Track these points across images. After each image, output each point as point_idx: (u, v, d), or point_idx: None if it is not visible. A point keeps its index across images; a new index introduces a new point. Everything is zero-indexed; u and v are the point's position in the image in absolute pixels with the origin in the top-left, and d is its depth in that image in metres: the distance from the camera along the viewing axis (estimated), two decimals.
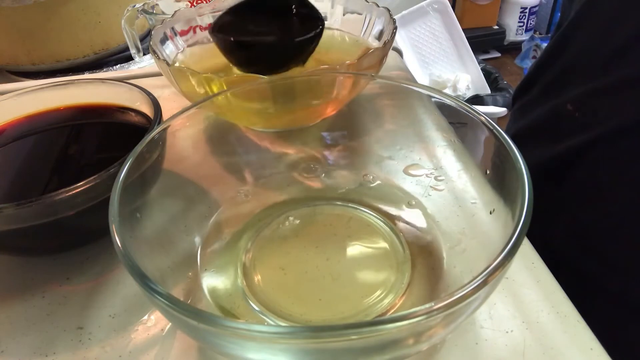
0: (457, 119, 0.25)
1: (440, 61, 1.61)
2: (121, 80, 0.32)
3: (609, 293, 0.36)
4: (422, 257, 0.25)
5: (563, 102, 0.39)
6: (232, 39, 0.32)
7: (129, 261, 0.17)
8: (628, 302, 0.35)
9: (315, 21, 0.33)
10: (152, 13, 0.45)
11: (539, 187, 0.40)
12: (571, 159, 0.38)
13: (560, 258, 0.37)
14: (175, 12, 0.38)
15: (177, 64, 0.37)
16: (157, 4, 0.47)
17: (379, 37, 0.36)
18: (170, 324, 0.24)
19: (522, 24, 2.04)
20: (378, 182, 0.30)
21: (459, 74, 1.58)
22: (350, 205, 0.28)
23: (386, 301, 0.22)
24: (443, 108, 0.25)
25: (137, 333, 0.23)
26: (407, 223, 0.27)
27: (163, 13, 0.46)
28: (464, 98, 1.49)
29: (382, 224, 0.27)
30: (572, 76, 0.39)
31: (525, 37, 2.05)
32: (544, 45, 1.92)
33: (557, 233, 0.39)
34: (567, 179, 0.38)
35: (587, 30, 0.38)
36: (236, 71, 0.34)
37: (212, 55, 0.40)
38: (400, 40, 1.52)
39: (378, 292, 0.23)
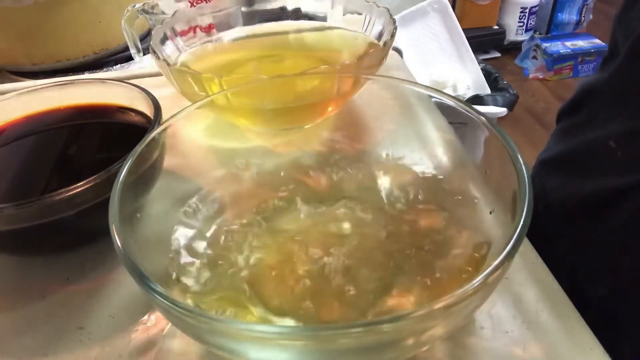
0: (457, 119, 0.25)
1: (440, 61, 1.61)
2: (121, 80, 0.32)
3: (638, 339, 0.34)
4: (423, 255, 0.25)
5: (606, 137, 0.36)
6: None
7: (129, 261, 0.17)
8: None
9: None
10: (152, 13, 0.45)
11: (575, 221, 0.38)
12: (611, 199, 0.35)
13: (590, 297, 0.35)
14: (175, 12, 0.38)
15: (177, 64, 0.37)
16: (157, 4, 0.47)
17: (378, 37, 0.36)
18: (170, 324, 0.24)
19: (522, 24, 2.04)
20: (378, 181, 0.30)
21: (459, 74, 1.58)
22: (350, 202, 0.28)
23: (387, 299, 0.22)
24: (443, 108, 0.25)
25: (137, 333, 0.23)
26: (408, 221, 0.27)
27: (163, 13, 0.46)
28: (464, 98, 1.49)
29: (382, 221, 0.27)
30: (621, 110, 0.36)
31: (525, 37, 2.05)
32: (544, 45, 1.92)
33: (589, 272, 0.37)
34: (605, 219, 0.36)
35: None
36: (236, 71, 0.34)
37: (212, 55, 0.40)
38: (400, 40, 1.51)
39: (378, 292, 0.23)
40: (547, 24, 2.08)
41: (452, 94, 0.25)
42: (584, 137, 0.39)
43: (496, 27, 2.05)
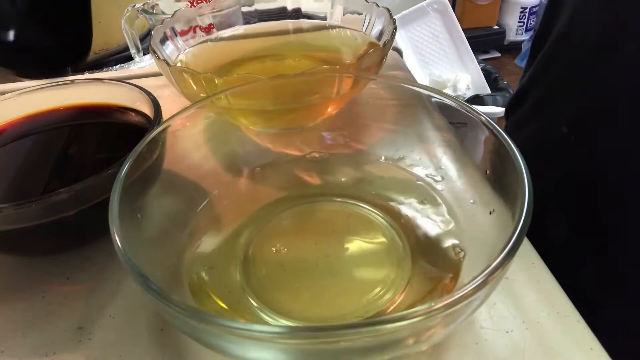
0: (457, 119, 0.25)
1: (440, 61, 1.61)
2: (121, 80, 0.32)
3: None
4: (423, 254, 0.25)
5: (557, 123, 0.35)
6: None
7: (129, 261, 0.17)
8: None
9: None
10: (152, 13, 0.45)
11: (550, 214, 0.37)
12: (569, 187, 0.34)
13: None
14: (175, 12, 0.38)
15: (177, 64, 0.37)
16: (157, 4, 0.47)
17: (379, 37, 0.36)
18: (170, 324, 0.24)
19: (522, 24, 2.04)
20: (378, 181, 0.30)
21: (459, 74, 1.58)
22: (349, 201, 0.28)
23: (386, 298, 0.22)
24: (443, 108, 0.25)
25: (137, 333, 0.23)
26: (407, 221, 0.27)
27: (163, 13, 0.46)
28: (464, 98, 1.49)
29: (382, 220, 0.27)
30: (565, 92, 0.35)
31: (525, 37, 2.05)
32: None
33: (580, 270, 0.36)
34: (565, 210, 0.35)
35: (577, 41, 0.34)
36: (236, 71, 0.34)
37: (212, 55, 0.40)
38: (400, 40, 1.51)
39: (378, 289, 0.23)
40: None
41: (452, 94, 0.25)
42: (533, 127, 0.39)
43: (496, 27, 2.05)
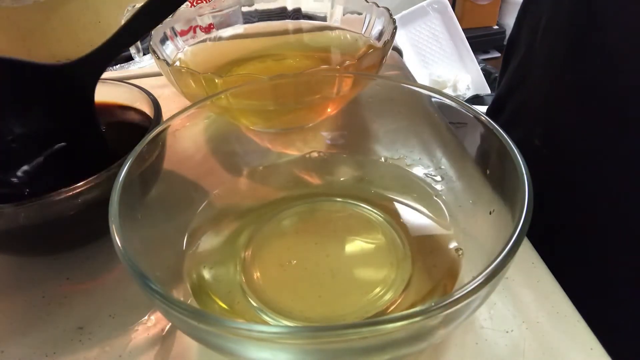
0: (457, 119, 0.25)
1: (440, 61, 1.61)
2: (121, 80, 0.32)
3: None
4: (423, 254, 0.25)
5: (531, 135, 0.35)
6: None
7: (129, 261, 0.17)
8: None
9: None
10: None
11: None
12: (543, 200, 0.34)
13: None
14: (175, 12, 0.38)
15: (177, 64, 0.37)
16: None
17: (379, 37, 0.36)
18: (170, 324, 0.24)
19: None
20: (378, 181, 0.30)
21: (459, 74, 1.58)
22: (350, 201, 0.28)
23: (386, 298, 0.22)
24: (443, 108, 0.25)
25: (137, 333, 0.23)
26: (407, 221, 0.27)
27: None
28: (464, 98, 1.49)
29: (382, 220, 0.27)
30: (538, 104, 0.35)
31: None
32: None
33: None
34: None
35: (545, 54, 0.34)
36: (236, 71, 0.34)
37: (212, 55, 0.40)
38: (400, 40, 1.51)
39: (378, 289, 0.23)
40: None
41: (452, 94, 0.25)
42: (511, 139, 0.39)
43: (496, 27, 2.05)
